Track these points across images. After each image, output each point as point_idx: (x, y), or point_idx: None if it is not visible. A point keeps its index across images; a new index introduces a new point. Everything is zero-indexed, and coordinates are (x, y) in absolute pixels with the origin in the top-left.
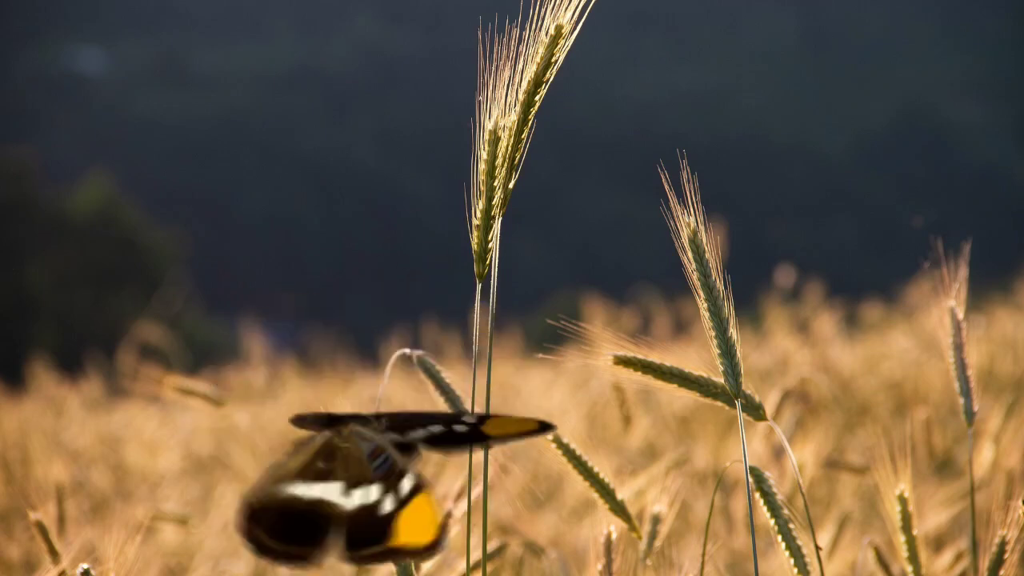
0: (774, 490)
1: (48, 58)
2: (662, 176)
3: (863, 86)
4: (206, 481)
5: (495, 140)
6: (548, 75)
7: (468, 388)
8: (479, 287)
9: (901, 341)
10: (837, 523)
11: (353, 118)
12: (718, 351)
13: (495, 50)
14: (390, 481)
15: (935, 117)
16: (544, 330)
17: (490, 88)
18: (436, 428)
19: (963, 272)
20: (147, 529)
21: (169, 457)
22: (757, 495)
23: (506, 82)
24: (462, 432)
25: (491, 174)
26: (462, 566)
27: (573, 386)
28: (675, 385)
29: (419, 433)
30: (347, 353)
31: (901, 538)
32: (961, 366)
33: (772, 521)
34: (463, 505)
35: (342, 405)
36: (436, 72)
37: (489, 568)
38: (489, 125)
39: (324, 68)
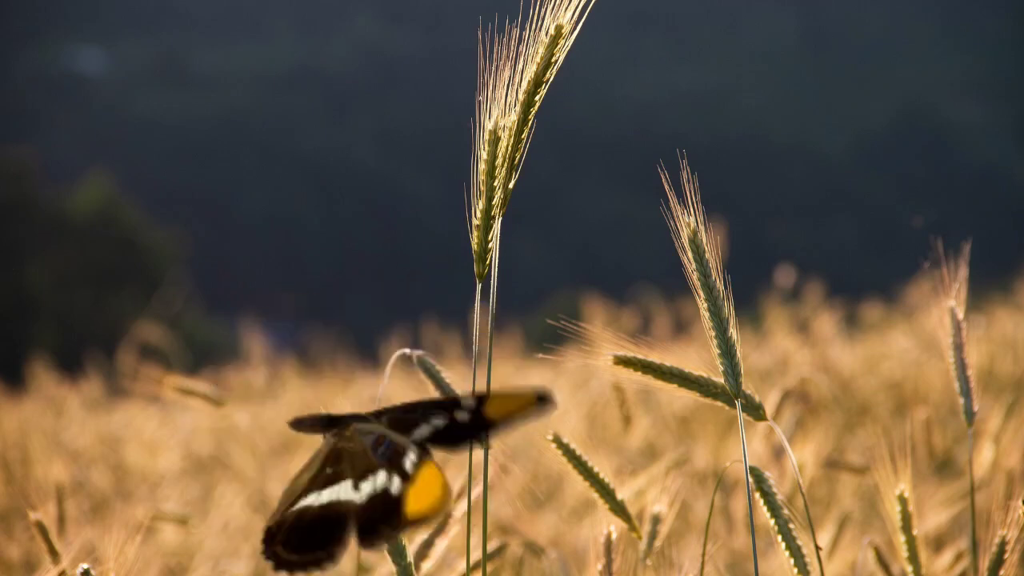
0: (774, 490)
1: (48, 58)
2: (662, 176)
3: (863, 86)
4: (206, 481)
5: (495, 140)
6: (548, 75)
7: (468, 388)
8: (479, 287)
9: (901, 341)
10: (837, 523)
11: (353, 118)
12: (718, 351)
13: (495, 50)
14: (393, 461)
15: (935, 117)
16: (544, 330)
17: (490, 88)
18: (439, 422)
19: (963, 272)
20: (147, 529)
21: (169, 457)
22: (757, 495)
23: (506, 82)
24: (465, 423)
25: (491, 174)
26: (462, 566)
27: (573, 386)
28: (675, 385)
29: (423, 431)
30: (347, 353)
31: (901, 538)
32: (961, 366)
33: (772, 521)
34: (463, 505)
35: (342, 405)
36: (436, 72)
37: (489, 568)
38: (489, 125)
39: (324, 68)
